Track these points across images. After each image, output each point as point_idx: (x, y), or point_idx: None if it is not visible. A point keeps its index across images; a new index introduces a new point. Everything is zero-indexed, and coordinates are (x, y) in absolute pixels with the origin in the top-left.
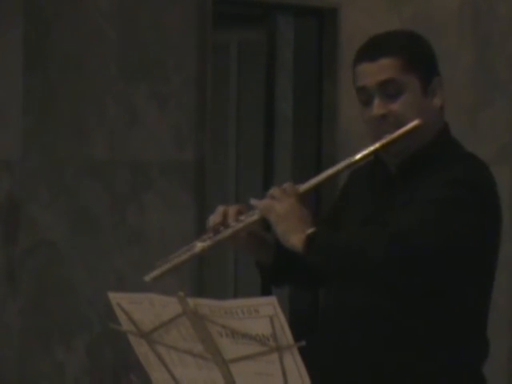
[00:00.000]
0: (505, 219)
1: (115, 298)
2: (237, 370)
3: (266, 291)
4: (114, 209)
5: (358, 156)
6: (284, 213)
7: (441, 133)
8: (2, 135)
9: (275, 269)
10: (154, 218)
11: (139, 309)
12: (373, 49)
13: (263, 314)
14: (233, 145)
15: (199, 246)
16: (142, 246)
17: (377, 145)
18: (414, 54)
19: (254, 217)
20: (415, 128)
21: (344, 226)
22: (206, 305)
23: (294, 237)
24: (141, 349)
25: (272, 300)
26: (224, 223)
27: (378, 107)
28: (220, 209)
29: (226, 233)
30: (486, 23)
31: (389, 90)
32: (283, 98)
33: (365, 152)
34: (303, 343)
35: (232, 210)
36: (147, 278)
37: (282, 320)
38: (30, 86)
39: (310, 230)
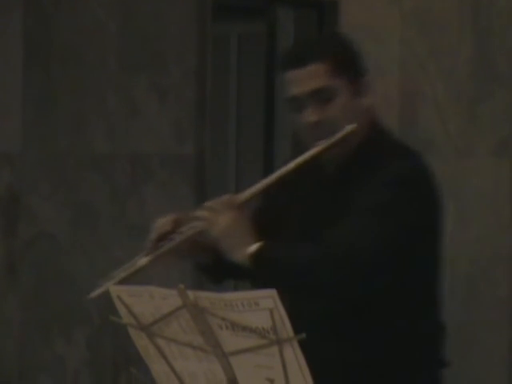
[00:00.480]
0: (504, 211)
1: (115, 290)
2: (237, 363)
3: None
4: (114, 201)
5: (294, 164)
6: (226, 227)
7: (372, 129)
8: (2, 128)
9: (217, 268)
10: (154, 211)
11: (139, 301)
12: (300, 55)
13: (263, 307)
14: (233, 137)
15: (142, 261)
16: (142, 238)
17: (313, 152)
18: (341, 57)
19: (194, 230)
20: (351, 133)
21: (284, 229)
22: (206, 297)
23: (238, 252)
24: (141, 341)
25: (272, 293)
26: (165, 236)
27: (311, 114)
28: (158, 222)
29: (168, 246)
30: (486, 16)
31: (321, 96)
32: (283, 90)
33: (301, 159)
34: (303, 336)
35: (169, 220)
36: (92, 296)
37: (281, 313)
38: (30, 78)
39: (255, 246)
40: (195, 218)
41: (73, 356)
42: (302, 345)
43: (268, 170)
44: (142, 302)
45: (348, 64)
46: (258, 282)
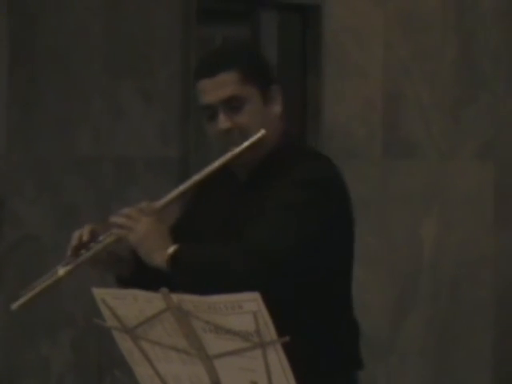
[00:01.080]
0: (488, 214)
1: (99, 293)
2: (220, 366)
3: None
4: (98, 204)
5: (208, 170)
6: (143, 233)
7: (283, 137)
8: None
9: (136, 280)
10: None
11: (123, 304)
12: (210, 65)
13: (247, 310)
14: None
15: (61, 270)
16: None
17: (225, 158)
18: (250, 66)
19: (112, 237)
20: (260, 139)
21: (201, 236)
22: (189, 300)
23: (157, 256)
24: (125, 344)
25: (255, 296)
26: (84, 246)
27: (222, 122)
28: (76, 233)
29: (87, 255)
30: (470, 19)
31: (231, 104)
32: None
33: (213, 167)
34: (287, 339)
35: (86, 231)
36: (14, 307)
37: (265, 316)
38: (15, 80)
39: (172, 249)
40: (112, 225)
41: (57, 358)
42: None
43: None
44: (126, 304)
45: (257, 73)
46: (177, 285)
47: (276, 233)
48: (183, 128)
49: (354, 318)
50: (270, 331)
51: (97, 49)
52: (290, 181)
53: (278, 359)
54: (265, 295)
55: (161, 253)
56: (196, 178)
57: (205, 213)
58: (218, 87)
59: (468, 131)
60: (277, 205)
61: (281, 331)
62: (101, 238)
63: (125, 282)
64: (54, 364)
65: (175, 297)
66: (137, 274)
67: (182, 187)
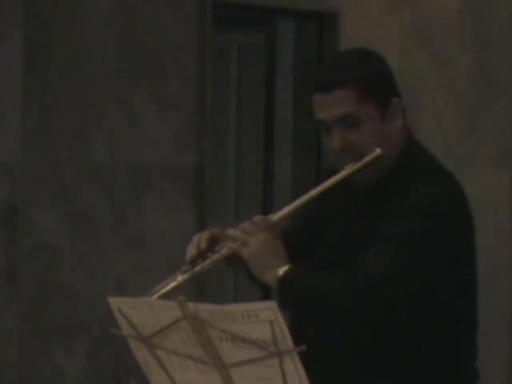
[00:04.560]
0: (505, 221)
1: (115, 302)
2: (237, 375)
3: (266, 296)
4: (113, 212)
5: (323, 187)
6: (257, 249)
7: (405, 152)
8: (1, 138)
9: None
10: (154, 222)
11: (139, 313)
12: (327, 79)
13: (263, 319)
14: (233, 148)
15: (179, 279)
16: (142, 249)
17: (340, 175)
18: (370, 82)
19: (227, 250)
20: (377, 158)
21: (316, 254)
22: (206, 309)
23: (268, 274)
24: (140, 353)
25: (272, 305)
26: (201, 255)
27: (337, 140)
28: (194, 241)
29: (204, 266)
30: (487, 26)
31: (347, 122)
32: (283, 101)
33: (329, 182)
34: (303, 348)
35: (204, 239)
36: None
37: (281, 325)
38: (30, 88)
39: (283, 270)
40: (229, 237)
41: (72, 367)
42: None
43: (268, 180)
44: (142, 313)
45: (376, 89)
46: (284, 307)
47: (387, 270)
48: (198, 136)
49: (475, 369)
50: (286, 340)
51: (112, 56)
52: (408, 206)
53: (294, 368)
54: (370, 332)
55: (272, 271)
56: (312, 192)
57: (330, 218)
58: (333, 104)
59: (484, 139)
60: (390, 237)
61: (387, 370)
62: (218, 248)
63: (255, 280)
64: (69, 373)
65: (191, 305)
66: None
67: (299, 202)
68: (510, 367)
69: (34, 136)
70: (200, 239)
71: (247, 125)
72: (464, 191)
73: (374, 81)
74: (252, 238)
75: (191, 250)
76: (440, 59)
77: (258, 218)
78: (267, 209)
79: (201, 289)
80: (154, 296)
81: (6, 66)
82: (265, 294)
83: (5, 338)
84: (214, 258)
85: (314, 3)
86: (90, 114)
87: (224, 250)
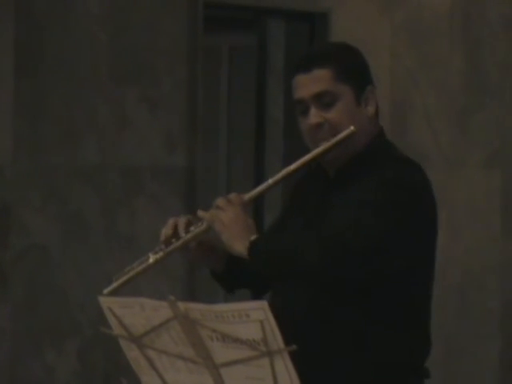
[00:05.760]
0: (495, 222)
1: (106, 302)
2: (227, 374)
3: (256, 296)
4: (104, 213)
5: (295, 165)
6: (228, 221)
7: (376, 138)
8: None
9: (228, 276)
10: (145, 223)
11: (130, 313)
12: (306, 61)
13: (254, 319)
14: (224, 149)
15: (152, 257)
16: (133, 250)
17: (314, 153)
18: (346, 64)
19: (202, 227)
20: (350, 134)
21: (286, 230)
22: (196, 309)
23: (239, 244)
24: (131, 353)
25: (262, 304)
26: (175, 235)
27: (313, 116)
28: (170, 221)
29: (177, 244)
30: (477, 27)
31: (323, 100)
32: (274, 102)
33: (302, 160)
34: (294, 347)
35: (181, 221)
36: (105, 292)
37: (272, 324)
38: (21, 89)
39: (253, 237)
40: (203, 217)
41: (63, 367)
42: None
43: (259, 180)
44: (133, 313)
45: (352, 72)
46: (254, 271)
47: (352, 227)
48: (189, 137)
49: (426, 333)
50: (277, 340)
51: (103, 57)
52: (375, 180)
53: (285, 368)
54: (334, 284)
55: (242, 241)
56: (284, 172)
57: (295, 210)
58: (312, 82)
59: (475, 140)
60: (358, 201)
61: (344, 326)
62: (191, 228)
63: (217, 277)
64: (60, 372)
65: (182, 305)
66: (230, 269)
67: (271, 180)
68: (500, 367)
69: (24, 137)
70: (176, 221)
71: (238, 125)
72: (429, 180)
73: (351, 64)
74: (224, 212)
75: (166, 230)
76: (430, 60)
77: (231, 195)
78: (258, 209)
79: (191, 288)
80: (126, 276)
81: None
82: (255, 293)
83: None
84: (186, 236)
85: (305, 4)
86: (80, 115)
87: (197, 228)
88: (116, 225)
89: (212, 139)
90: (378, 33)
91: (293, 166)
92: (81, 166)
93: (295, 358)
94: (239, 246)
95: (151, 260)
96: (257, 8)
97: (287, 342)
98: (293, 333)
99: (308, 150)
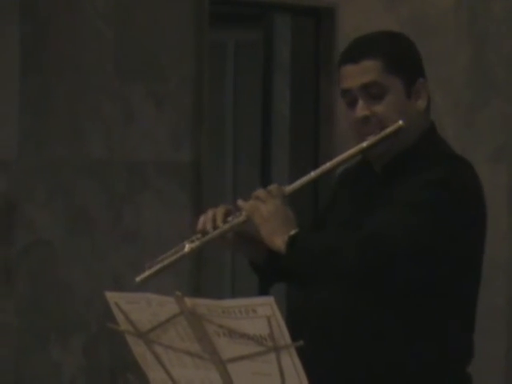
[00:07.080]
0: (502, 219)
1: (113, 297)
2: (234, 370)
3: (263, 291)
4: (110, 208)
5: (340, 158)
6: (268, 214)
7: (425, 134)
8: None
9: (267, 268)
10: (151, 218)
11: (137, 308)
12: (356, 51)
13: (261, 314)
14: (230, 144)
15: (188, 246)
16: (139, 245)
17: (359, 147)
18: (397, 55)
19: (240, 218)
20: (398, 129)
21: (325, 227)
22: (203, 304)
23: (278, 238)
24: (138, 349)
25: (269, 300)
26: (212, 225)
27: (361, 109)
28: (209, 211)
29: (214, 234)
30: (482, 23)
31: (372, 91)
32: (280, 97)
33: (345, 155)
34: (301, 343)
35: (220, 211)
36: (138, 280)
37: (279, 320)
38: (27, 85)
39: (293, 232)
40: (242, 207)
41: (69, 363)
42: (315, 342)
43: (265, 176)
44: (140, 308)
45: (403, 64)
46: (291, 269)
47: (393, 228)
48: (195, 132)
49: (469, 336)
50: (283, 335)
51: (108, 54)
52: (422, 180)
53: (292, 363)
54: (373, 286)
55: (281, 236)
56: (327, 165)
57: (340, 205)
58: (361, 73)
59: (481, 135)
60: (403, 202)
61: (390, 331)
62: (229, 218)
63: (256, 269)
64: (66, 369)
65: (188, 300)
66: (270, 261)
67: (314, 173)
68: (506, 365)
69: (30, 133)
70: (215, 212)
71: (244, 121)
72: (479, 179)
73: (402, 55)
74: (264, 204)
75: (204, 219)
76: (436, 56)
77: (272, 186)
78: None
79: (198, 284)
80: (160, 265)
81: (3, 62)
82: (262, 289)
83: (2, 334)
84: (224, 226)
85: None
86: (86, 111)
87: (236, 219)
88: (121, 220)
89: (218, 134)
90: (383, 28)
91: (336, 160)
92: (86, 162)
93: (320, 357)
94: (278, 240)
95: (187, 249)
96: (263, 3)
97: (310, 338)
98: (321, 332)
99: (317, 149)
